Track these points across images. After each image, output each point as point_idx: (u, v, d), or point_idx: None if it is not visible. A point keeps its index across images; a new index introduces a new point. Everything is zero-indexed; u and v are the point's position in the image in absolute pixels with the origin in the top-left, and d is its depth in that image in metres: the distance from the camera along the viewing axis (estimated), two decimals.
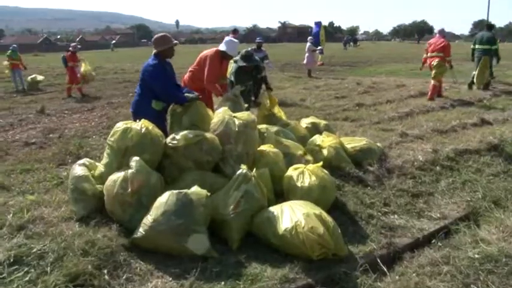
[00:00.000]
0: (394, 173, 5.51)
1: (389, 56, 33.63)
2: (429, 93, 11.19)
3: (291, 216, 3.65)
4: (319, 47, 19.01)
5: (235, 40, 5.99)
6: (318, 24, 27.67)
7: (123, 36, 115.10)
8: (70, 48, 14.87)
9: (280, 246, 3.65)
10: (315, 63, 19.19)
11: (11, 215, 4.06)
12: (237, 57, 6.83)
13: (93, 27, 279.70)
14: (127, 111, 10.08)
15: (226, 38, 6.02)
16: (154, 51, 5.00)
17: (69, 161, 6.22)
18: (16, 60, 15.95)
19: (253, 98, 7.44)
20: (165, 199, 3.63)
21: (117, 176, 3.93)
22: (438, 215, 4.61)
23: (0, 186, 5.09)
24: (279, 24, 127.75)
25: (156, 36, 5.14)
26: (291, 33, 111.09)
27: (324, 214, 3.72)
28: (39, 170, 5.81)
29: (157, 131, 4.30)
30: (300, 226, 3.51)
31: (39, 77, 16.72)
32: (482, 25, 27.37)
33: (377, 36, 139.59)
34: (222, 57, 5.89)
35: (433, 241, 4.12)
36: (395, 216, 4.55)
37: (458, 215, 4.62)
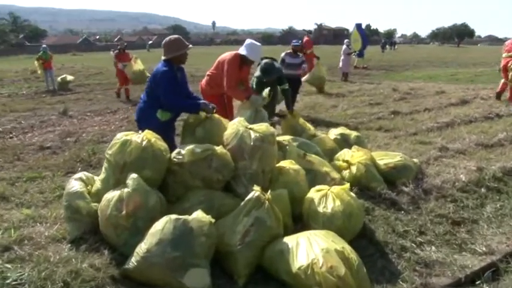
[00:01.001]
0: (432, 195, 4.86)
1: (428, 59, 32.39)
2: (509, 96, 11.05)
3: (308, 251, 3.09)
4: (356, 51, 18.05)
5: (258, 43, 5.44)
6: (359, 26, 26.03)
7: (159, 37, 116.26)
8: (118, 47, 14.37)
9: (294, 286, 3.10)
10: (351, 67, 18.31)
11: (1, 232, 3.69)
12: (258, 68, 6.08)
13: (131, 28, 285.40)
14: None
15: (248, 41, 5.47)
16: (163, 57, 4.50)
17: (79, 169, 5.87)
18: (46, 60, 15.90)
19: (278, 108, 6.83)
20: (161, 226, 3.14)
21: (112, 195, 3.47)
22: (484, 248, 3.92)
23: (1, 196, 4.78)
24: (315, 26, 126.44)
25: (167, 39, 4.55)
26: (327, 36, 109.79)
27: (348, 249, 3.14)
28: (46, 178, 5.48)
29: (160, 144, 3.81)
30: (317, 265, 2.95)
31: (69, 77, 16.69)
32: None
33: (416, 39, 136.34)
34: (242, 62, 5.35)
35: (478, 282, 3.48)
36: (433, 248, 3.90)
37: (509, 250, 3.92)
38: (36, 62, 16.37)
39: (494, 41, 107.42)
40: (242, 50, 5.30)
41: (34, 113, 10.76)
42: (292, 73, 9.19)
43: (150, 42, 79.76)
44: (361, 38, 23.15)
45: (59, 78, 16.28)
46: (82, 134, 8.15)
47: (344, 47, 17.96)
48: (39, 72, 16.59)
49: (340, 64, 17.89)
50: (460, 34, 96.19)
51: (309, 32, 15.13)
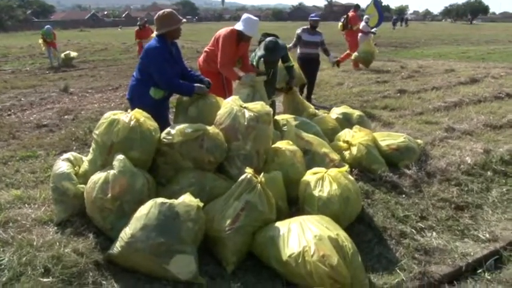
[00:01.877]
0: (436, 178, 4.67)
1: (439, 37, 31.67)
2: None
3: (300, 238, 2.93)
4: (373, 28, 17.13)
5: (255, 18, 5.16)
6: (377, 1, 24.69)
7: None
8: (138, 24, 14.63)
9: (284, 274, 2.96)
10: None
11: None
12: (261, 45, 5.73)
13: (140, 3, 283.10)
14: None
15: (244, 16, 5.19)
16: (155, 32, 4.29)
17: (74, 147, 5.75)
18: (49, 39, 15.72)
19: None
20: (146, 210, 2.99)
21: (98, 177, 3.33)
22: (487, 235, 3.75)
23: None
24: (325, 3, 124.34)
25: (160, 13, 4.29)
26: (337, 12, 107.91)
27: (342, 236, 2.98)
28: (40, 157, 5.36)
29: (150, 124, 3.63)
30: (309, 253, 2.80)
31: (73, 53, 16.49)
32: None
33: (429, 16, 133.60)
34: (240, 38, 5.11)
35: (479, 271, 3.32)
36: (433, 234, 3.74)
37: None
38: (40, 40, 16.22)
39: (509, 17, 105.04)
40: (238, 26, 5.05)
41: (35, 90, 10.60)
42: (311, 52, 8.19)
43: None
44: (378, 13, 22.38)
45: (62, 55, 16.12)
46: (81, 111, 8.00)
47: (363, 23, 16.98)
48: (43, 48, 16.46)
49: (359, 41, 16.88)
50: (474, 11, 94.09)
51: (357, 6, 14.32)
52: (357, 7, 14.16)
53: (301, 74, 7.25)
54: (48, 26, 16.66)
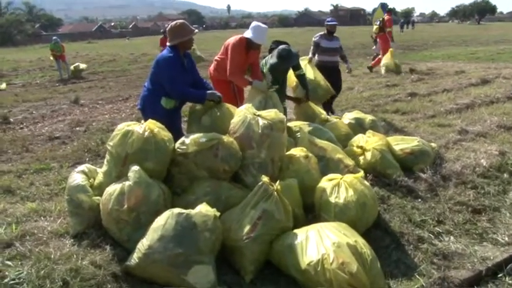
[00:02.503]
0: (451, 181, 4.62)
1: (447, 38, 31.51)
2: None
3: (318, 246, 2.91)
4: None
5: (263, 25, 5.16)
6: (384, 5, 24.98)
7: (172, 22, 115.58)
8: (161, 31, 14.68)
9: (303, 283, 2.94)
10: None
11: (4, 227, 3.61)
12: (273, 53, 5.68)
13: (146, 14, 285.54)
14: None
15: (253, 24, 5.19)
16: (168, 43, 4.30)
17: (87, 159, 5.79)
18: (58, 52, 15.87)
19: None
20: (163, 221, 2.99)
21: (113, 189, 3.33)
22: (506, 238, 3.70)
23: (7, 189, 4.71)
24: (331, 7, 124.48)
25: (172, 25, 4.32)
26: (343, 16, 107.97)
27: (361, 243, 2.95)
28: (53, 169, 5.41)
29: (164, 134, 3.64)
30: (328, 261, 2.77)
31: (82, 65, 16.69)
32: None
33: (436, 17, 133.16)
34: (249, 46, 5.11)
35: (500, 275, 3.27)
36: (451, 238, 3.69)
37: None
38: (51, 57, 16.40)
39: None
40: (247, 33, 5.05)
41: (46, 102, 10.72)
42: (331, 60, 7.53)
43: (167, 25, 79.63)
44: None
45: (71, 67, 16.30)
46: (92, 122, 8.06)
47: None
48: (53, 62, 16.66)
49: (374, 46, 16.85)
50: (481, 11, 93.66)
51: (390, 10, 14.28)
52: (390, 10, 14.11)
53: (328, 85, 6.73)
54: (55, 37, 16.78)
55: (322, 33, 7.64)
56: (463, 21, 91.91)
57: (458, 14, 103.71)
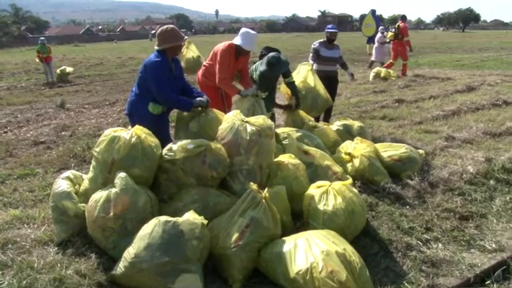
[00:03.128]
0: (439, 188, 4.64)
1: (433, 45, 31.86)
2: None
3: (307, 254, 2.88)
4: (387, 40, 17.05)
5: (253, 32, 5.14)
6: (374, 12, 25.29)
7: (162, 26, 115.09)
8: None
9: None
10: (385, 57, 16.83)
11: None
12: (263, 60, 5.66)
13: (134, 18, 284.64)
14: None
15: (242, 30, 5.16)
16: (156, 47, 4.25)
17: (72, 164, 5.71)
18: (44, 54, 15.70)
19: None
20: (150, 229, 2.94)
21: (99, 196, 3.28)
22: (493, 245, 3.71)
23: None
24: (319, 13, 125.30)
25: (163, 29, 4.26)
26: (331, 22, 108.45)
27: (349, 251, 2.94)
28: (38, 175, 5.32)
29: (151, 140, 3.59)
30: (317, 269, 2.75)
31: (69, 69, 16.48)
32: None
33: (421, 24, 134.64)
34: (238, 53, 5.08)
35: (488, 282, 3.27)
36: (440, 245, 3.69)
37: None
38: (37, 59, 16.21)
39: (500, 25, 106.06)
40: (237, 40, 5.03)
41: (31, 106, 10.58)
42: (330, 70, 7.08)
43: (153, 31, 79.24)
44: (376, 24, 22.93)
45: (58, 70, 16.09)
46: (78, 127, 7.96)
47: (379, 35, 16.75)
48: (40, 64, 16.44)
49: (373, 52, 16.89)
50: (465, 19, 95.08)
51: (404, 17, 14.48)
52: (404, 18, 14.28)
53: (328, 95, 6.49)
54: (42, 38, 16.57)
55: (321, 40, 7.19)
56: (448, 28, 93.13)
57: (443, 21, 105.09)
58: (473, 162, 5.25)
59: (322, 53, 6.98)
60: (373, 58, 16.91)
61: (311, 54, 7.09)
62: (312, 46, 7.15)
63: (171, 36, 4.19)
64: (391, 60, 14.25)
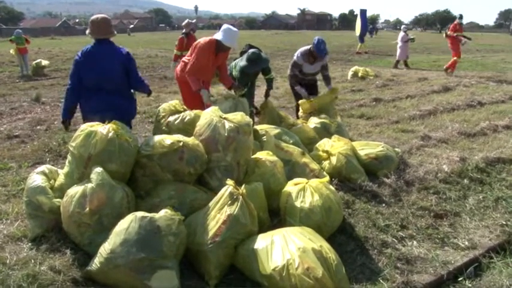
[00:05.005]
0: (414, 187, 4.71)
1: (411, 46, 32.12)
2: None
3: (283, 250, 2.89)
4: (411, 36, 17.33)
5: (234, 29, 5.14)
6: (364, 13, 25.89)
7: (141, 21, 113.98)
8: (184, 31, 10.32)
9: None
10: (406, 56, 17.53)
11: None
12: (243, 56, 5.72)
13: (112, 11, 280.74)
14: None
15: (224, 26, 5.16)
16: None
17: (48, 159, 5.60)
18: (21, 45, 15.37)
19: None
20: (126, 224, 2.91)
21: (75, 191, 3.23)
22: (466, 243, 3.78)
23: None
24: (298, 11, 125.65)
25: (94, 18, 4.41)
26: (310, 21, 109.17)
27: (326, 248, 2.96)
28: (12, 170, 5.19)
29: (128, 135, 3.55)
30: (293, 266, 2.76)
31: (44, 62, 16.12)
32: (508, 15, 26.75)
33: (400, 25, 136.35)
34: (219, 48, 5.07)
35: (460, 279, 3.34)
36: (414, 243, 3.75)
37: (491, 244, 3.79)
38: (11, 50, 15.86)
39: (476, 27, 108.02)
40: (218, 35, 5.02)
41: (5, 99, 10.32)
42: (310, 79, 6.85)
43: (131, 26, 78.41)
44: (361, 24, 23.61)
45: (33, 63, 15.74)
46: (54, 121, 7.80)
47: (402, 33, 17.17)
48: (14, 55, 16.06)
49: (398, 51, 17.25)
50: (443, 20, 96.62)
51: (460, 17, 15.02)
52: (460, 18, 14.97)
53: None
54: (19, 30, 16.23)
55: (305, 51, 6.43)
56: (425, 29, 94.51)
57: (421, 22, 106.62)
58: (448, 161, 5.34)
59: (305, 69, 6.53)
60: (397, 57, 17.32)
61: (292, 66, 6.61)
62: (295, 59, 6.54)
63: (103, 27, 4.33)
64: (454, 58, 14.61)
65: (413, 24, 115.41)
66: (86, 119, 4.12)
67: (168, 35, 58.36)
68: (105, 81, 4.15)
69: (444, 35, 15.05)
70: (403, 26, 18.27)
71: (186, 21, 10.50)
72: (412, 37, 17.21)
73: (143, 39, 43.74)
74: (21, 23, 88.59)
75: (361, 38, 24.98)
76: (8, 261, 2.98)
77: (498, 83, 12.02)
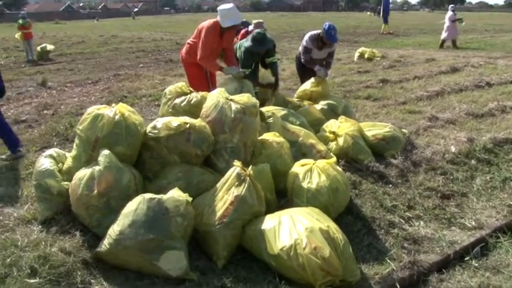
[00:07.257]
0: (421, 167, 4.70)
1: (418, 27, 31.88)
2: None
3: (291, 230, 2.91)
4: (459, 17, 17.12)
5: (228, 6, 5.00)
6: None
7: (145, 4, 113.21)
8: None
9: (276, 268, 2.94)
10: (454, 36, 17.26)
11: None
12: (248, 37, 5.63)
13: None
14: (132, 85, 9.45)
15: (218, 9, 5.08)
16: None
17: (55, 143, 5.63)
18: (27, 29, 15.34)
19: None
20: (134, 206, 2.94)
21: (83, 174, 3.25)
22: (473, 223, 3.79)
23: None
24: None
25: None
26: (316, 2, 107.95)
27: (333, 228, 2.98)
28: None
29: (135, 118, 3.56)
30: (301, 246, 2.78)
31: (50, 47, 16.10)
32: None
33: (406, 5, 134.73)
34: (223, 29, 5.03)
35: (467, 258, 3.35)
36: (421, 223, 3.76)
37: (498, 224, 3.80)
38: (17, 35, 15.83)
39: (485, 7, 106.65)
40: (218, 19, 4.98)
41: (11, 84, 10.32)
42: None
43: (136, 9, 77.94)
44: (383, 4, 23.41)
45: (38, 48, 15.72)
46: (60, 106, 7.83)
47: (450, 13, 16.95)
48: (20, 41, 16.05)
49: (444, 31, 17.10)
50: (451, 1, 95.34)
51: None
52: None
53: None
54: (23, 12, 16.16)
55: (314, 35, 6.16)
56: (433, 10, 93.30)
57: (429, 2, 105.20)
58: (456, 142, 5.31)
59: (314, 55, 6.26)
60: (444, 37, 17.12)
61: (303, 51, 6.30)
62: (304, 44, 6.24)
63: None
64: None
65: (421, 5, 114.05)
66: None
67: (172, 18, 58.08)
68: None
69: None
70: (450, 6, 17.91)
71: (257, 21, 10.04)
72: (460, 17, 16.89)
73: (147, 22, 43.58)
74: (24, 7, 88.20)
75: (385, 18, 24.60)
76: (19, 243, 3.02)
77: (507, 63, 11.86)
